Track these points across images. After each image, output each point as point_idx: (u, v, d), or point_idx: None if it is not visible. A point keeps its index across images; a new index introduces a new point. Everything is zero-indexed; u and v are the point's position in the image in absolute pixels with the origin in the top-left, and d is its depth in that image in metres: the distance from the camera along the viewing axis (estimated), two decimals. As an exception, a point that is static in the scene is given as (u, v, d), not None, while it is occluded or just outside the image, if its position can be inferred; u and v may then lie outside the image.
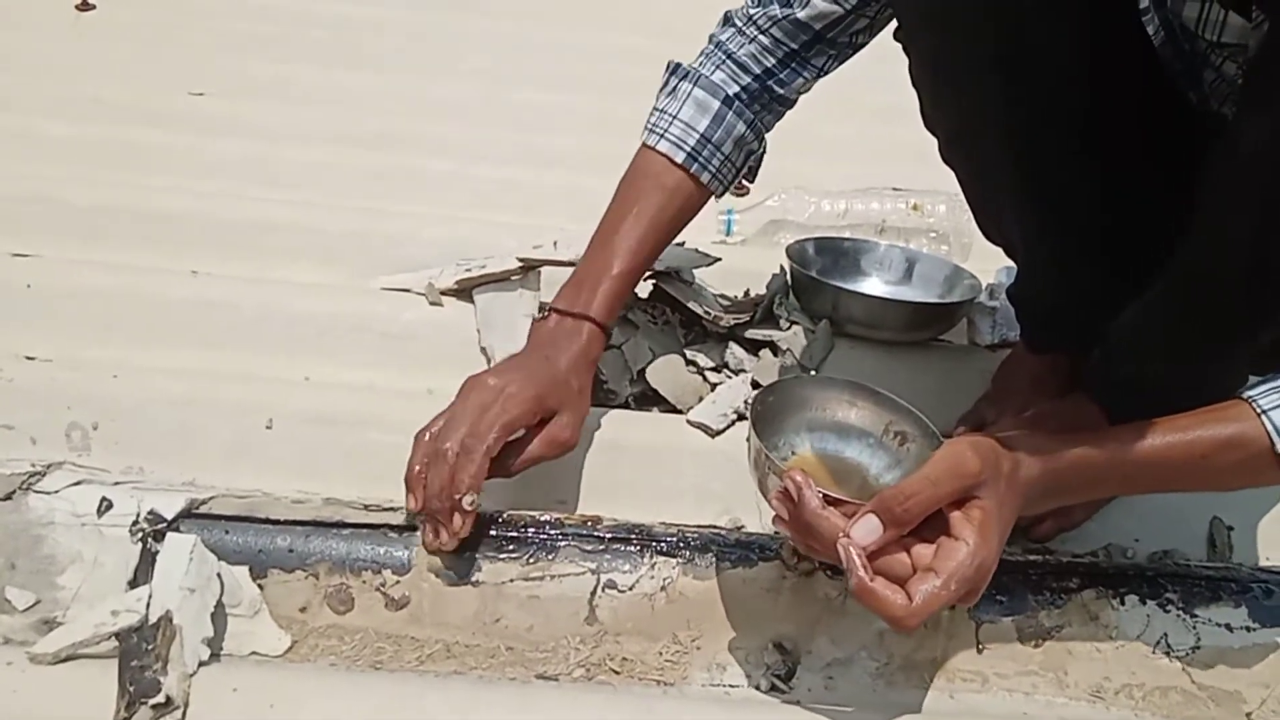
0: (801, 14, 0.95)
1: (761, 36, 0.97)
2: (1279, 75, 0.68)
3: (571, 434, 0.86)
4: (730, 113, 0.98)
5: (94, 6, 2.04)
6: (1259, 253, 0.72)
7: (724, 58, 0.99)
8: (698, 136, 0.97)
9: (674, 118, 0.98)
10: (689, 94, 0.98)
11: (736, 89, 0.98)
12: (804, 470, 0.73)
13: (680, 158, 0.97)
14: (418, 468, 0.80)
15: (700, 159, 0.97)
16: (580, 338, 0.91)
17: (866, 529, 0.69)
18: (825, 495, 0.71)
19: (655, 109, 1.00)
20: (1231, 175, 0.72)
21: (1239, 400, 0.74)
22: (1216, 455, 0.73)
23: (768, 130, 1.03)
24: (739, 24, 0.99)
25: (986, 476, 0.70)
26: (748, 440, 0.79)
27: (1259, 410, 0.73)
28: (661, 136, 0.97)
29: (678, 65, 1.00)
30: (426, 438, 0.81)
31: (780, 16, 0.96)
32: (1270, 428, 0.72)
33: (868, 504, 0.70)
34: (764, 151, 1.05)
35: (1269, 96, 0.69)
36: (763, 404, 0.82)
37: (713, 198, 1.02)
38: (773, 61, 0.98)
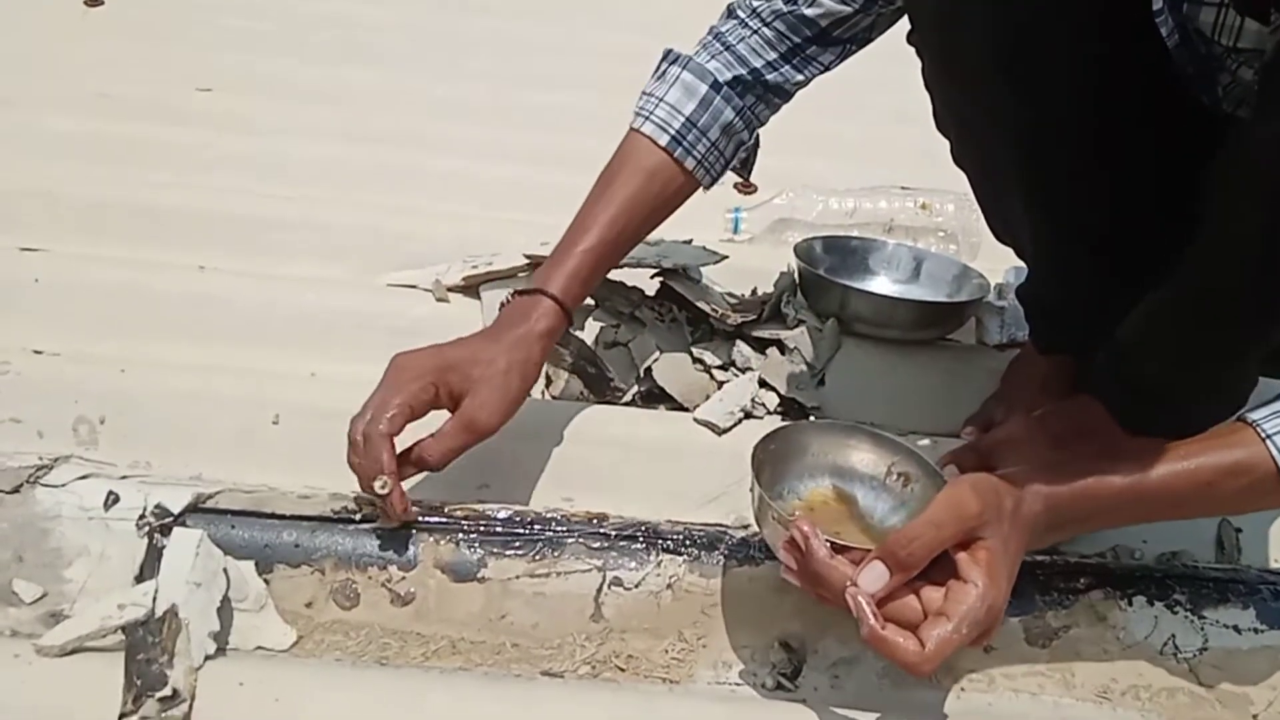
0: (808, 10, 0.94)
1: (765, 29, 0.96)
2: None
3: (489, 416, 0.82)
4: (718, 98, 0.96)
5: (102, 2, 2.04)
6: (1268, 254, 0.72)
7: (721, 48, 0.97)
8: (683, 120, 0.95)
9: (660, 100, 0.96)
10: (677, 77, 0.96)
11: (729, 76, 0.96)
12: (809, 516, 0.73)
13: (664, 140, 0.95)
14: (348, 455, 0.80)
15: (685, 143, 0.95)
16: (530, 314, 0.88)
17: (873, 576, 0.68)
18: (832, 543, 0.71)
19: (644, 92, 0.98)
20: (1242, 176, 0.72)
21: (1243, 424, 0.73)
22: (1221, 482, 0.73)
23: (762, 123, 1.01)
24: (742, 15, 0.98)
25: (989, 517, 0.70)
26: (751, 490, 0.78)
27: (1263, 435, 0.72)
28: (647, 119, 0.96)
29: (670, 51, 0.99)
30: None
31: (785, 10, 0.95)
32: (1275, 452, 0.71)
33: (874, 550, 0.70)
34: (756, 144, 1.02)
35: None
36: (764, 452, 0.81)
37: (701, 189, 1.00)
38: (774, 55, 0.96)
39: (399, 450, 0.81)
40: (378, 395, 0.81)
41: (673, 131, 0.95)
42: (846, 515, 0.84)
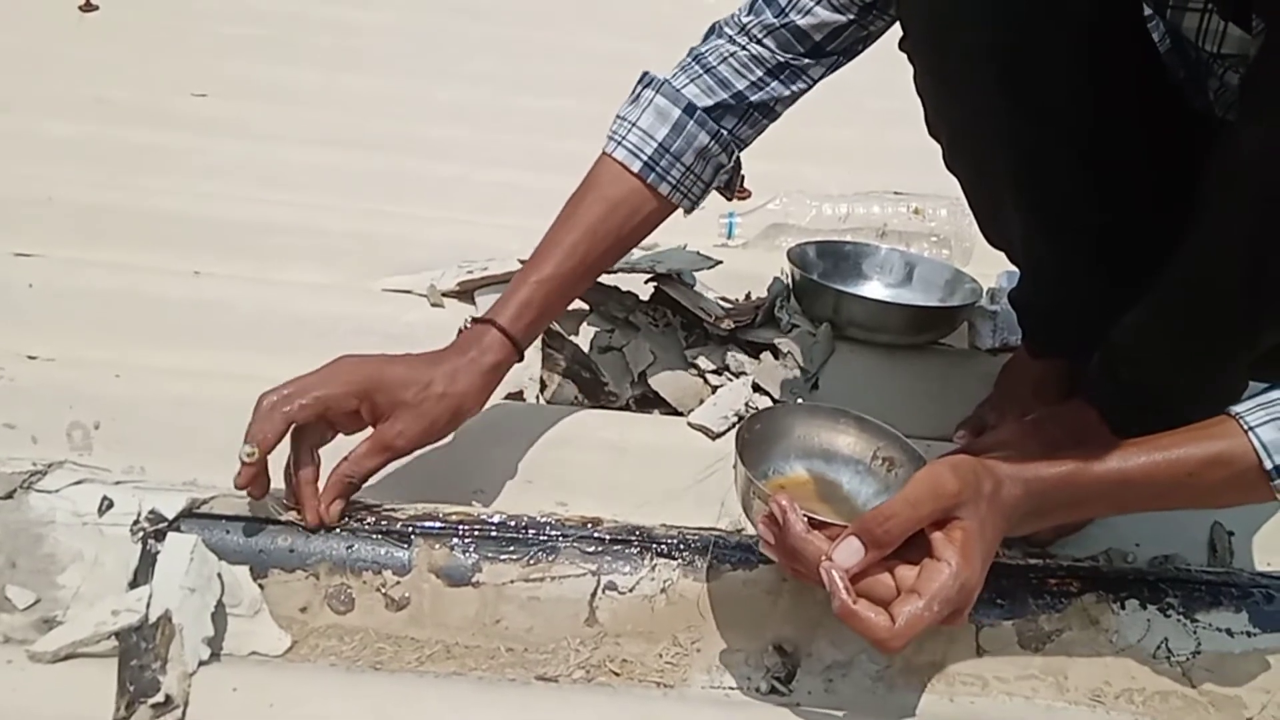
0: (802, 21, 0.92)
1: (753, 45, 0.94)
2: (1277, 84, 0.68)
3: (405, 442, 0.82)
4: (691, 122, 0.94)
5: (97, 7, 2.04)
6: (1257, 258, 0.72)
7: (701, 71, 0.95)
8: (655, 145, 0.94)
9: (633, 125, 0.94)
10: (650, 101, 0.95)
11: (707, 102, 0.94)
12: (789, 492, 0.73)
13: (636, 167, 0.94)
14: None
15: (658, 169, 0.94)
16: (476, 344, 0.87)
17: (848, 551, 0.69)
18: (810, 518, 0.71)
19: (617, 116, 0.96)
20: (1231, 179, 0.72)
21: (1226, 417, 0.73)
22: (1203, 473, 0.73)
23: (744, 144, 0.99)
24: (730, 33, 0.96)
25: (966, 497, 0.70)
26: (734, 468, 0.79)
27: (1245, 427, 0.72)
28: (619, 144, 0.95)
29: (646, 74, 0.98)
30: None
31: (777, 25, 0.93)
32: (1257, 444, 0.71)
33: (850, 526, 0.70)
34: (738, 165, 1.00)
35: (1266, 105, 0.69)
36: (750, 432, 0.81)
37: (682, 213, 0.98)
38: (760, 73, 0.94)
39: (325, 476, 0.81)
40: (304, 379, 0.81)
41: (645, 158, 0.94)
42: (830, 498, 0.84)
